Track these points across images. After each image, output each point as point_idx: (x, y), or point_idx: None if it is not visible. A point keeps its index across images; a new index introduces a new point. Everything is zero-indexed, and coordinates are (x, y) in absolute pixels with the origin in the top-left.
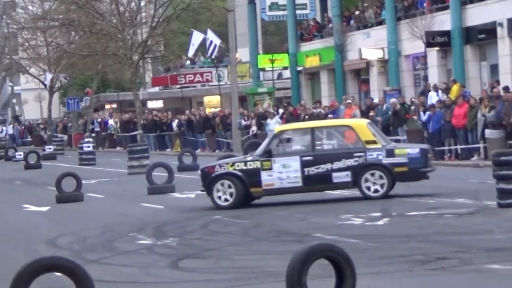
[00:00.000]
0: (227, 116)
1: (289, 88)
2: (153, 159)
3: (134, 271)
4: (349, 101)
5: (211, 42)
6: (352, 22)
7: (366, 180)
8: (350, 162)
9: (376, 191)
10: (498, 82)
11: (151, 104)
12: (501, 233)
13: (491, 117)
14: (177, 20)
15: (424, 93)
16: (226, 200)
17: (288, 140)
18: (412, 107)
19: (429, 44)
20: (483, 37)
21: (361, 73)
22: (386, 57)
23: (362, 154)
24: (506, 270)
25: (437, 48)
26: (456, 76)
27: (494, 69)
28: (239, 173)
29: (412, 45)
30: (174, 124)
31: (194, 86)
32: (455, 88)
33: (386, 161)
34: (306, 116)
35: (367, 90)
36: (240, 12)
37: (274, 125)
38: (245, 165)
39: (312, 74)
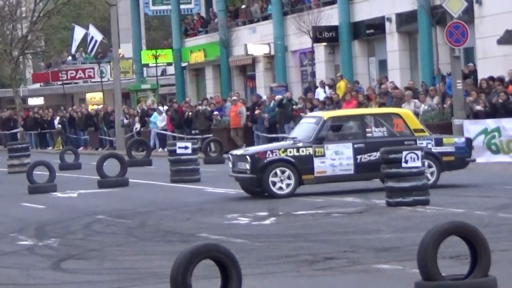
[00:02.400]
0: (110, 113)
1: (174, 85)
2: (34, 158)
3: (15, 272)
4: (234, 97)
5: (92, 37)
6: (238, 17)
7: None
8: None
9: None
10: (386, 78)
11: (32, 101)
12: (390, 232)
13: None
14: (58, 15)
15: (310, 89)
16: (281, 188)
17: (339, 127)
18: (299, 105)
19: (316, 40)
20: (372, 32)
21: (247, 69)
22: (273, 52)
23: (412, 142)
24: (394, 270)
25: (325, 43)
26: (344, 72)
27: (382, 64)
28: (292, 160)
29: (299, 41)
30: (56, 121)
31: (76, 83)
32: (342, 84)
33: (435, 150)
34: (191, 113)
35: (253, 86)
36: (123, 6)
37: (162, 121)
38: (298, 151)
39: (197, 70)
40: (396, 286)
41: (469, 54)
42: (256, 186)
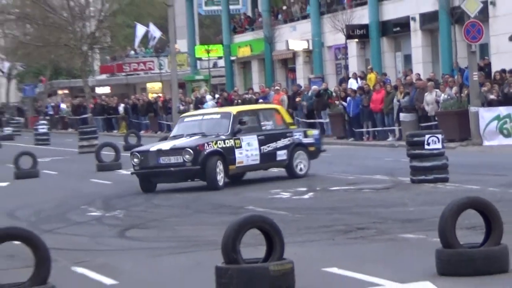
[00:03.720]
0: (168, 101)
1: (224, 76)
2: (102, 140)
3: (85, 240)
4: (277, 87)
5: (152, 34)
6: (280, 16)
7: (295, 159)
8: (285, 142)
9: (301, 169)
10: (411, 71)
11: (99, 90)
12: (413, 206)
13: (405, 102)
14: (122, 14)
15: (344, 80)
16: (219, 179)
17: (244, 121)
18: (334, 94)
19: (349, 36)
20: (398, 30)
21: (288, 63)
22: (311, 48)
23: (290, 134)
24: (418, 239)
25: (357, 40)
26: (373, 65)
27: (407, 59)
28: (222, 151)
29: (334, 37)
30: (120, 108)
31: (138, 74)
32: (372, 76)
33: (305, 141)
34: (239, 101)
35: (293, 77)
36: (179, 7)
37: (214, 107)
38: (224, 143)
39: (244, 63)
40: (420, 253)
41: (484, 50)
42: (195, 178)
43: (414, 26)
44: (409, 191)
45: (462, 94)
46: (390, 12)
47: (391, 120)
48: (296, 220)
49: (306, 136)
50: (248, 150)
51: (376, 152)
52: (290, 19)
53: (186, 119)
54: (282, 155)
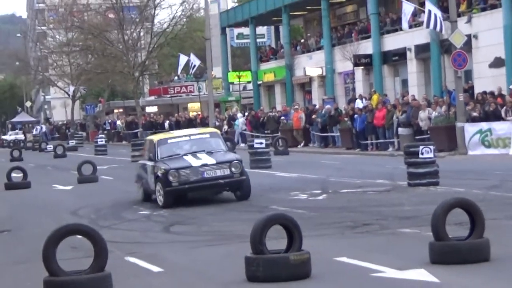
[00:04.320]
0: (205, 118)
1: (252, 97)
2: None
3: (136, 234)
4: (296, 106)
5: (192, 62)
6: (298, 47)
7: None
8: None
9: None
10: (407, 92)
11: (148, 109)
12: (410, 205)
13: (403, 119)
14: (168, 46)
15: (352, 101)
16: None
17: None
18: (343, 112)
19: (356, 64)
20: (396, 58)
21: (305, 86)
22: (324, 74)
23: None
24: (414, 233)
25: (362, 67)
26: (376, 88)
27: (404, 82)
28: None
29: (344, 65)
30: (166, 124)
31: (181, 96)
32: (375, 97)
33: None
34: (264, 118)
35: (310, 98)
36: (215, 40)
37: (242, 124)
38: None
39: (268, 86)
40: (415, 245)
41: (468, 75)
42: (239, 188)
43: (410, 55)
44: (406, 193)
45: (450, 112)
46: (390, 44)
47: (391, 134)
48: (312, 217)
49: None
50: None
51: (379, 160)
52: (307, 50)
53: (169, 141)
54: None
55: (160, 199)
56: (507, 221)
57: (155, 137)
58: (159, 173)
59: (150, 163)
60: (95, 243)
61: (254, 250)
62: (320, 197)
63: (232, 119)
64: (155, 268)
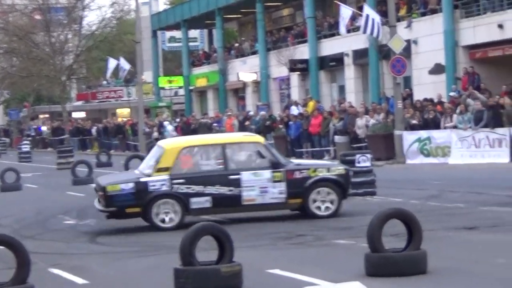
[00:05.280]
0: (135, 124)
1: (183, 103)
2: (77, 158)
3: (61, 245)
4: (229, 113)
5: (122, 67)
6: (232, 52)
7: None
8: None
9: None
10: (344, 99)
11: (75, 115)
12: (346, 216)
13: (339, 126)
14: (97, 50)
15: (287, 107)
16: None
17: None
18: (278, 118)
19: (292, 70)
20: (334, 64)
21: (239, 92)
22: (259, 79)
23: None
24: (349, 244)
25: (298, 72)
26: (312, 94)
27: (341, 89)
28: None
29: (279, 70)
30: (93, 130)
31: (109, 101)
32: (311, 104)
33: None
34: (196, 125)
35: (243, 104)
36: (146, 43)
37: (173, 131)
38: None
39: (201, 92)
40: (350, 256)
41: (407, 81)
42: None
43: (348, 61)
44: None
45: (388, 120)
46: (327, 49)
47: (327, 142)
48: (244, 228)
49: None
50: None
51: None
52: (241, 54)
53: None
54: None
55: None
56: (446, 233)
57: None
58: None
59: None
60: (17, 254)
61: (184, 261)
62: None
63: (162, 126)
64: (80, 280)
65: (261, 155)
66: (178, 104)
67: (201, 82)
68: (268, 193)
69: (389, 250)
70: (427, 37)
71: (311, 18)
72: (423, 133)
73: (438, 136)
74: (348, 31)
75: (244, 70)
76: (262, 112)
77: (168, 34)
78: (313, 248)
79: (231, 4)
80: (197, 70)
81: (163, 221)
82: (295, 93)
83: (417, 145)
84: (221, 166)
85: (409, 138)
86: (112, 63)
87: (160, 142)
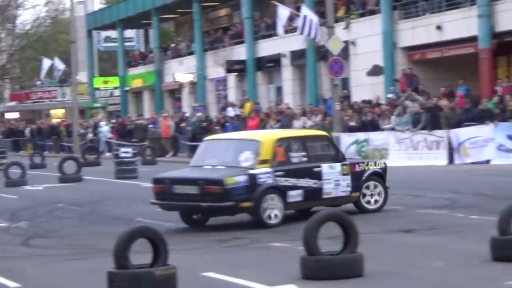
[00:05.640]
0: (69, 125)
1: (119, 104)
2: (10, 159)
3: None
4: (165, 114)
5: (57, 67)
6: (168, 52)
7: None
8: None
9: None
10: (282, 101)
11: (8, 115)
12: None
13: (277, 128)
14: (31, 49)
15: (224, 108)
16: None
17: None
18: (214, 120)
19: (229, 71)
20: (271, 65)
21: (175, 93)
22: (195, 80)
23: None
24: (285, 247)
25: (235, 73)
26: (249, 96)
27: (279, 90)
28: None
29: (216, 71)
30: (27, 131)
31: (43, 101)
32: (248, 105)
33: None
34: (131, 126)
35: (180, 106)
36: (81, 43)
37: (108, 132)
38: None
39: (137, 93)
40: (287, 259)
41: (345, 83)
42: None
43: (285, 62)
44: None
45: (325, 121)
46: (265, 50)
47: None
48: (178, 230)
49: None
50: None
51: None
52: (177, 55)
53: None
54: None
55: None
56: (383, 235)
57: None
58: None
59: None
60: None
61: (117, 264)
62: None
63: (97, 127)
64: (12, 284)
65: (330, 149)
66: (113, 105)
67: (137, 83)
68: (340, 186)
69: (325, 253)
70: (365, 38)
71: (249, 19)
72: (361, 135)
73: (376, 138)
74: (286, 32)
75: (181, 71)
76: (199, 114)
77: (104, 34)
78: (249, 251)
79: (167, 4)
80: (133, 71)
81: (269, 217)
82: (232, 94)
83: (355, 147)
84: (305, 159)
85: (346, 140)
86: (46, 63)
87: (245, 136)
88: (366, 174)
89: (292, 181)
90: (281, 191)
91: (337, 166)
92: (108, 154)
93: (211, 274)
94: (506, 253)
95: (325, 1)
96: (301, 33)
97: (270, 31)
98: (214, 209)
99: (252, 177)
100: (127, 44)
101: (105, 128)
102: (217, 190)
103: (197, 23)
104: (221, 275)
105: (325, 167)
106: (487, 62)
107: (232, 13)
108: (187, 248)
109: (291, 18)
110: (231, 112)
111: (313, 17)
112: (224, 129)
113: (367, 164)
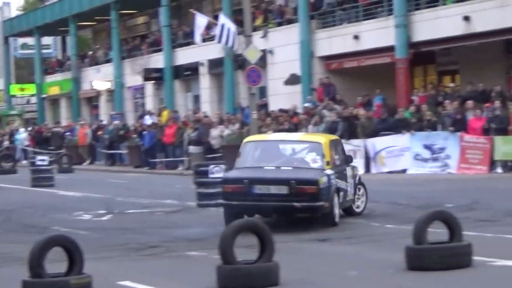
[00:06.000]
0: None
1: (36, 111)
2: None
3: None
4: (82, 122)
5: None
6: (86, 59)
7: None
8: None
9: None
10: (199, 109)
11: None
12: (199, 227)
13: (194, 136)
14: None
15: (142, 116)
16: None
17: None
18: (132, 128)
19: (146, 79)
20: (189, 73)
21: (93, 100)
22: (113, 88)
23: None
24: (201, 256)
25: (153, 81)
26: (167, 104)
27: (197, 98)
28: None
29: (133, 79)
30: None
31: None
32: (165, 113)
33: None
34: (48, 134)
35: (97, 113)
36: None
37: (24, 140)
38: None
39: (54, 100)
40: (203, 268)
41: (263, 92)
42: None
43: (203, 70)
44: (195, 214)
45: (243, 130)
46: (182, 58)
47: (181, 152)
48: (95, 239)
49: None
50: None
51: (168, 180)
52: (95, 62)
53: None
54: None
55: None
56: (299, 244)
57: None
58: None
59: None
60: None
61: (32, 273)
62: (105, 218)
63: (13, 134)
64: None
65: (344, 152)
66: (30, 113)
67: (54, 90)
68: (352, 188)
69: (241, 262)
70: (283, 47)
71: (166, 27)
72: None
73: None
74: (204, 40)
75: (98, 79)
76: (116, 122)
77: (21, 40)
78: (165, 260)
79: (85, 11)
80: (50, 78)
81: (335, 217)
82: (150, 102)
83: None
84: (339, 162)
85: None
86: None
87: (302, 137)
88: (357, 177)
89: (339, 182)
90: (338, 192)
91: (350, 169)
92: (24, 162)
93: (127, 283)
94: (421, 262)
95: (243, 10)
96: (219, 42)
97: (188, 39)
98: (306, 209)
99: (329, 178)
100: (44, 51)
101: (23, 135)
102: (312, 190)
103: (114, 30)
104: (137, 284)
105: (348, 170)
106: (403, 71)
107: (150, 21)
108: (103, 256)
109: (209, 27)
110: (148, 120)
111: (231, 26)
112: (141, 137)
113: (355, 168)
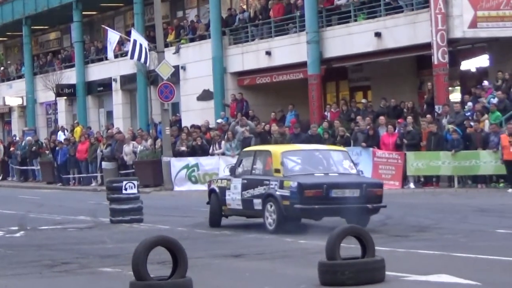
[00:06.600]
0: None
1: None
2: None
3: None
4: None
5: None
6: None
7: (267, 211)
8: (261, 190)
9: (270, 224)
10: (112, 125)
11: None
12: (112, 243)
13: (107, 152)
14: None
15: (55, 132)
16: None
17: (242, 161)
18: (44, 144)
19: (59, 94)
20: (101, 89)
21: (5, 116)
22: (25, 103)
23: (268, 182)
24: (115, 272)
25: (65, 97)
26: (80, 120)
27: (109, 114)
28: (217, 189)
29: (46, 95)
30: None
31: None
32: (78, 129)
33: (278, 192)
34: None
35: (9, 129)
36: None
37: None
38: (221, 182)
39: None
40: (116, 285)
41: (176, 107)
42: None
43: (116, 86)
44: (108, 230)
45: (156, 146)
46: (95, 74)
47: (94, 168)
48: (7, 255)
49: (281, 186)
50: (234, 193)
51: (81, 195)
52: (7, 78)
53: None
54: (257, 204)
55: None
56: (213, 260)
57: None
58: None
59: None
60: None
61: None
62: (17, 234)
63: None
64: None
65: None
66: None
67: None
68: None
69: (155, 278)
70: (195, 63)
71: (79, 42)
72: (191, 160)
73: (206, 163)
74: (116, 56)
75: (10, 94)
76: (29, 138)
77: None
78: (78, 276)
79: None
80: None
81: None
82: (62, 118)
83: (185, 172)
84: None
85: (177, 164)
86: None
87: (330, 147)
88: None
89: None
90: None
91: None
92: None
93: None
94: (334, 277)
95: (155, 26)
96: (132, 58)
97: (100, 55)
98: (376, 210)
99: None
100: None
101: None
102: (380, 192)
103: (26, 46)
104: None
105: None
106: (316, 87)
107: (62, 36)
108: (15, 273)
109: (122, 43)
110: (61, 136)
111: (143, 42)
112: (54, 153)
113: None
